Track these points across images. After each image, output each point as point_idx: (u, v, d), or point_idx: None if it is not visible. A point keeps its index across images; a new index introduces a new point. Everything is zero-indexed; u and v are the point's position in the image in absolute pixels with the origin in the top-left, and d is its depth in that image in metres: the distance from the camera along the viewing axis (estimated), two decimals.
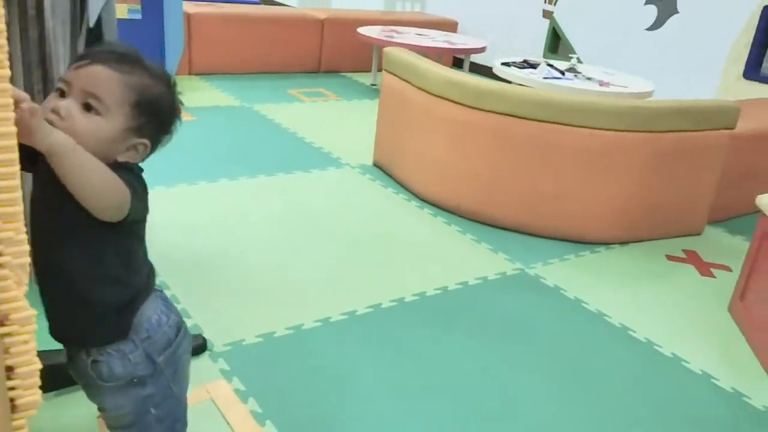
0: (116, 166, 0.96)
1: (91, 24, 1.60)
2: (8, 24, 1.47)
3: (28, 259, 0.76)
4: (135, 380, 1.07)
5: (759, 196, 2.14)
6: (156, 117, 1.02)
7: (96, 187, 0.91)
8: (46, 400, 1.45)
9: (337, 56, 5.42)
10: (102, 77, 0.96)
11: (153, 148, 1.05)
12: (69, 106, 0.94)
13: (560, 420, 1.64)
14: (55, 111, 0.94)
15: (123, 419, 1.09)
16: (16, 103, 0.80)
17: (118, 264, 1.03)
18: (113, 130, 0.97)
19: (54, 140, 0.86)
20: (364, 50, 5.40)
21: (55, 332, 1.08)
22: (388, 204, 2.89)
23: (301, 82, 4.98)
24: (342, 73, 5.46)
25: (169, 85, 1.04)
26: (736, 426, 1.69)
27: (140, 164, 1.06)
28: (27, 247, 0.76)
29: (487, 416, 1.62)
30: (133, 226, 1.02)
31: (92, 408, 1.42)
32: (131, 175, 0.99)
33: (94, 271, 1.01)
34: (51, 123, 0.92)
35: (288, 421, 1.52)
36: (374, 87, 5.03)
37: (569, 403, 1.71)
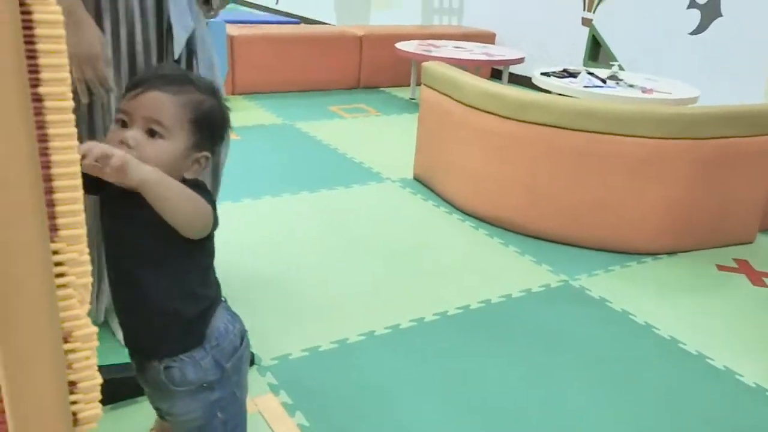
0: (189, 185, 1.02)
1: (175, 56, 1.67)
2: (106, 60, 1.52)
3: (90, 279, 0.80)
4: (205, 385, 1.12)
5: None
6: (211, 128, 1.08)
7: (187, 211, 0.98)
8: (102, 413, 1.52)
9: (376, 72, 5.48)
10: (160, 102, 1.02)
11: (211, 158, 1.10)
12: (135, 135, 1.01)
13: (600, 430, 1.61)
14: (123, 142, 1.00)
15: (192, 423, 1.15)
16: (107, 157, 0.90)
17: (197, 280, 1.10)
18: (178, 150, 1.04)
19: (144, 174, 0.93)
20: (403, 65, 5.44)
21: (131, 342, 1.16)
22: (429, 217, 2.90)
23: (342, 98, 5.06)
24: (381, 88, 5.51)
25: (217, 96, 1.10)
26: None
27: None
28: (89, 268, 0.80)
29: (525, 427, 1.61)
30: (208, 241, 1.08)
31: (146, 420, 1.48)
32: (202, 191, 1.05)
33: (176, 289, 1.08)
34: None
35: None
36: (413, 101, 5.06)
37: (618, 417, 1.68)
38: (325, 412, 1.61)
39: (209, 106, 1.08)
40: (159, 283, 1.06)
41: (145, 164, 0.95)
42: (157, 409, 1.26)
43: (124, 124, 1.03)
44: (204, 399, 1.13)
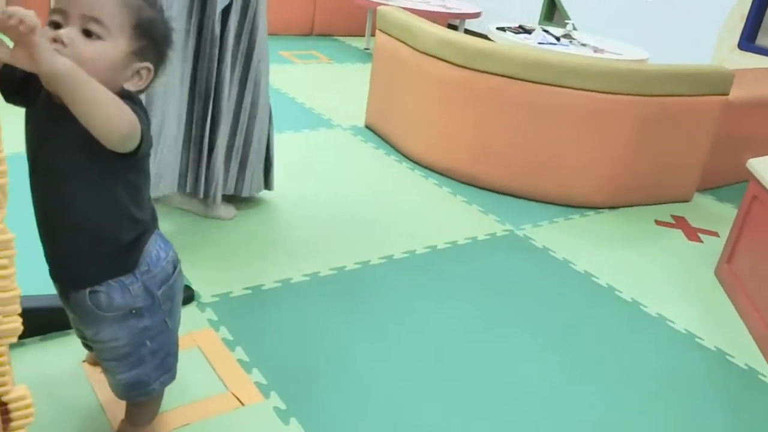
0: (123, 97, 0.95)
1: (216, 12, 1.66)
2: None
3: (7, 180, 0.74)
4: (133, 311, 1.08)
5: (750, 160, 2.14)
6: (154, 39, 1.01)
7: (105, 112, 0.89)
8: (30, 344, 1.45)
9: (331, 19, 5.33)
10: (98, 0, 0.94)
11: (154, 74, 1.03)
12: (70, 33, 0.92)
13: (539, 372, 1.65)
14: (57, 39, 0.91)
15: (118, 351, 1.10)
16: (16, 20, 0.77)
17: (129, 201, 1.04)
18: (118, 54, 0.96)
19: (58, 61, 0.83)
20: (358, 14, 5.31)
21: (59, 273, 1.09)
22: (378, 165, 2.87)
23: (294, 44, 4.91)
24: (335, 37, 5.38)
25: (159, 10, 1.03)
26: (717, 381, 1.72)
27: None
28: (6, 168, 0.74)
29: (466, 371, 1.63)
30: (141, 160, 1.01)
31: (78, 353, 1.42)
32: (135, 105, 0.98)
33: (108, 210, 1.02)
34: None
35: (274, 368, 1.52)
36: (367, 51, 4.96)
37: (551, 357, 1.72)
38: (265, 349, 1.59)
39: (152, 15, 1.01)
40: (88, 202, 1.00)
41: (62, 56, 0.86)
42: (82, 338, 1.21)
43: (57, 26, 0.94)
44: (132, 326, 1.09)
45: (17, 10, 0.77)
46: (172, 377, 1.20)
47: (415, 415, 1.45)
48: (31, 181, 1.03)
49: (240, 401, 1.41)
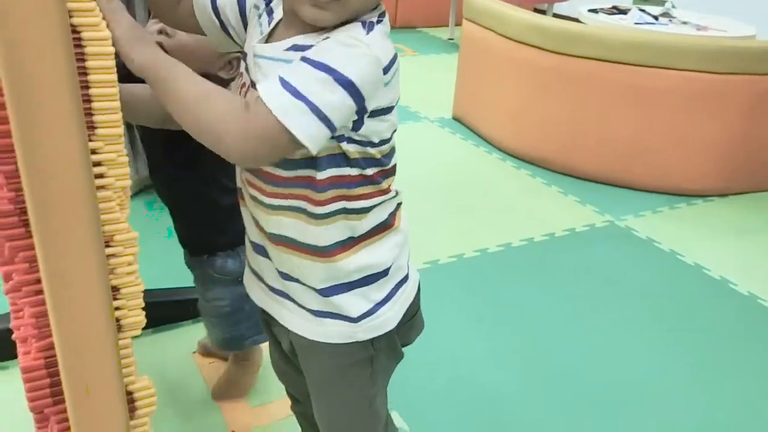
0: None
1: None
2: None
3: (129, 182, 0.78)
4: (240, 279, 1.14)
5: None
6: None
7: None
8: (144, 336, 1.53)
9: (413, 11, 5.31)
10: None
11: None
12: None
13: (647, 370, 1.57)
14: (162, 31, 1.02)
15: (219, 310, 1.22)
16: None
17: (227, 173, 1.10)
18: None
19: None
20: (441, 3, 5.25)
21: (184, 242, 1.23)
22: (468, 157, 2.83)
23: None
24: (418, 28, 5.35)
25: None
26: None
27: None
28: (128, 170, 0.77)
29: (569, 363, 1.58)
30: None
31: (189, 345, 1.49)
32: None
33: (204, 181, 1.11)
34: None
35: None
36: (452, 41, 4.90)
37: (660, 354, 1.63)
38: None
39: None
40: (188, 174, 1.10)
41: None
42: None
43: None
44: (236, 291, 1.18)
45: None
46: (264, 339, 1.24)
47: (515, 408, 1.41)
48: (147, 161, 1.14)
49: None
